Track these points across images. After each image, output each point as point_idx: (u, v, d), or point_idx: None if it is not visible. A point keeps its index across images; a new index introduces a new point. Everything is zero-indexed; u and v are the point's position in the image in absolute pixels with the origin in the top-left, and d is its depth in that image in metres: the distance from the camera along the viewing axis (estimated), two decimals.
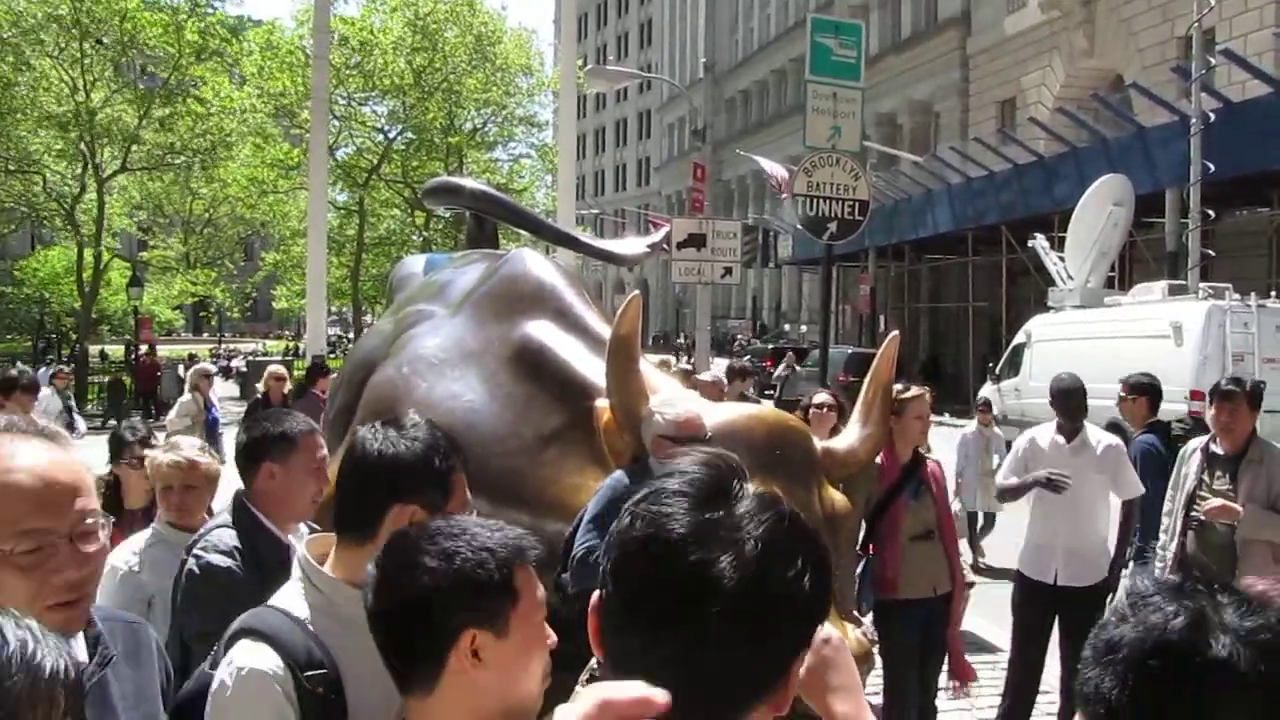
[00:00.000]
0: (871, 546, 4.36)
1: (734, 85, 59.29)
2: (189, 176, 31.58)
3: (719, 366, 11.34)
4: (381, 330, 4.58)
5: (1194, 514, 4.68)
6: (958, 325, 27.24)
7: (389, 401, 3.52)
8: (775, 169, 27.85)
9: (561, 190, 16.40)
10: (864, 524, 4.27)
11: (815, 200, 8.84)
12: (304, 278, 23.75)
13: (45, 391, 10.74)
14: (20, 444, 1.36)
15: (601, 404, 3.40)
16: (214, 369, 13.20)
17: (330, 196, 27.00)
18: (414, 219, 31.66)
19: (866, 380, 3.51)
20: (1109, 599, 4.74)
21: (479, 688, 1.38)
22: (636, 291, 3.54)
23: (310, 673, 1.65)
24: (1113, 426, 6.20)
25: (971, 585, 4.90)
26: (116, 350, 38.91)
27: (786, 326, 47.10)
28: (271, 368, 10.09)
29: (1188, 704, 0.97)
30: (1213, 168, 15.87)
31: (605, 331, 3.60)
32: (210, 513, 3.05)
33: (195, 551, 2.45)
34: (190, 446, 3.10)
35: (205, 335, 62.87)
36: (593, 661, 1.37)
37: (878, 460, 4.01)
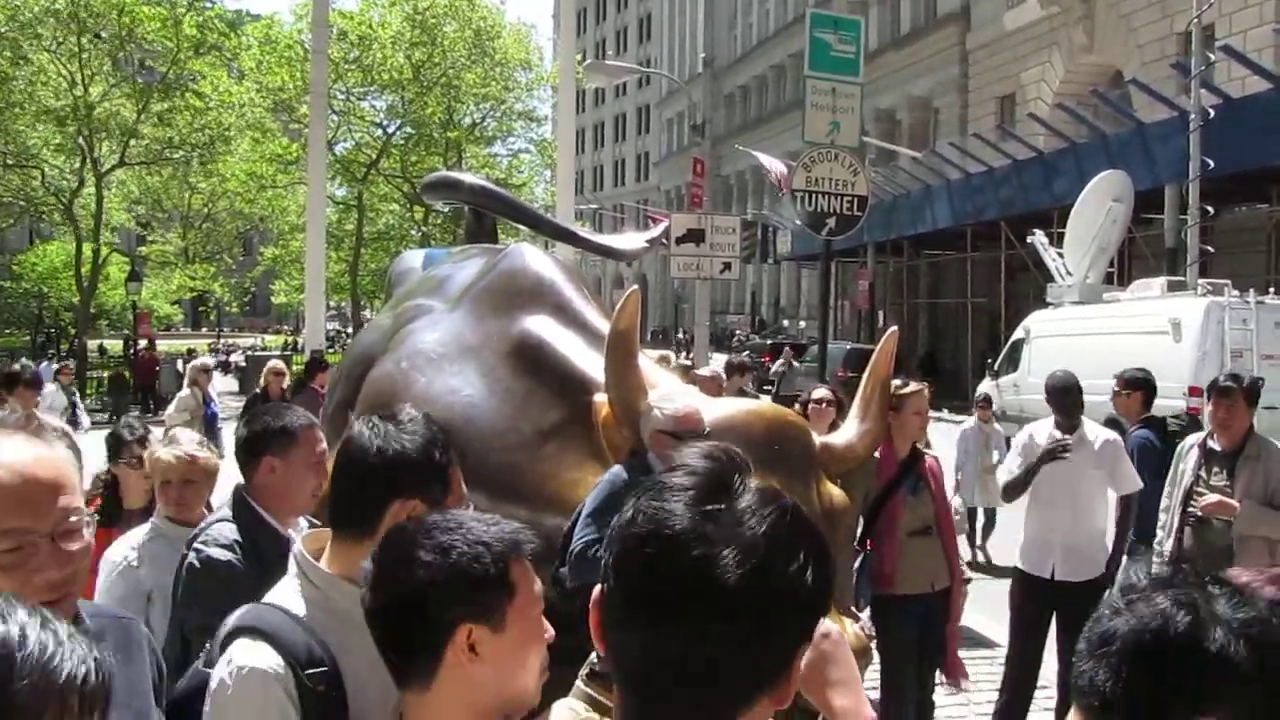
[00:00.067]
0: (869, 542, 4.37)
1: (733, 80, 59.23)
2: (187, 171, 31.58)
3: (718, 362, 11.34)
4: (380, 325, 4.58)
5: (1191, 510, 4.69)
6: (956, 321, 27.24)
7: (388, 396, 3.52)
8: (774, 164, 27.79)
9: (560, 185, 16.38)
10: (862, 519, 4.28)
11: (814, 196, 8.84)
12: (303, 273, 23.74)
13: (50, 388, 10.75)
14: (1, 441, 1.35)
15: (600, 399, 3.40)
16: (213, 364, 13.21)
17: (329, 191, 26.97)
18: (413, 214, 31.62)
19: (865, 375, 3.51)
20: (1107, 594, 4.75)
21: (476, 682, 1.38)
22: (635, 286, 3.53)
23: (311, 670, 1.64)
24: (1111, 422, 6.21)
25: (969, 581, 4.92)
26: (115, 345, 38.89)
27: (785, 322, 47.09)
28: (271, 363, 10.09)
29: (1182, 696, 0.98)
30: (1212, 164, 15.86)
31: (604, 327, 3.60)
32: (209, 508, 3.05)
33: (196, 545, 2.45)
34: (189, 441, 3.10)
35: (204, 330, 62.87)
36: (592, 656, 1.37)
37: (875, 455, 4.02)
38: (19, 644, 0.83)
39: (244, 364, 29.52)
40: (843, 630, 1.25)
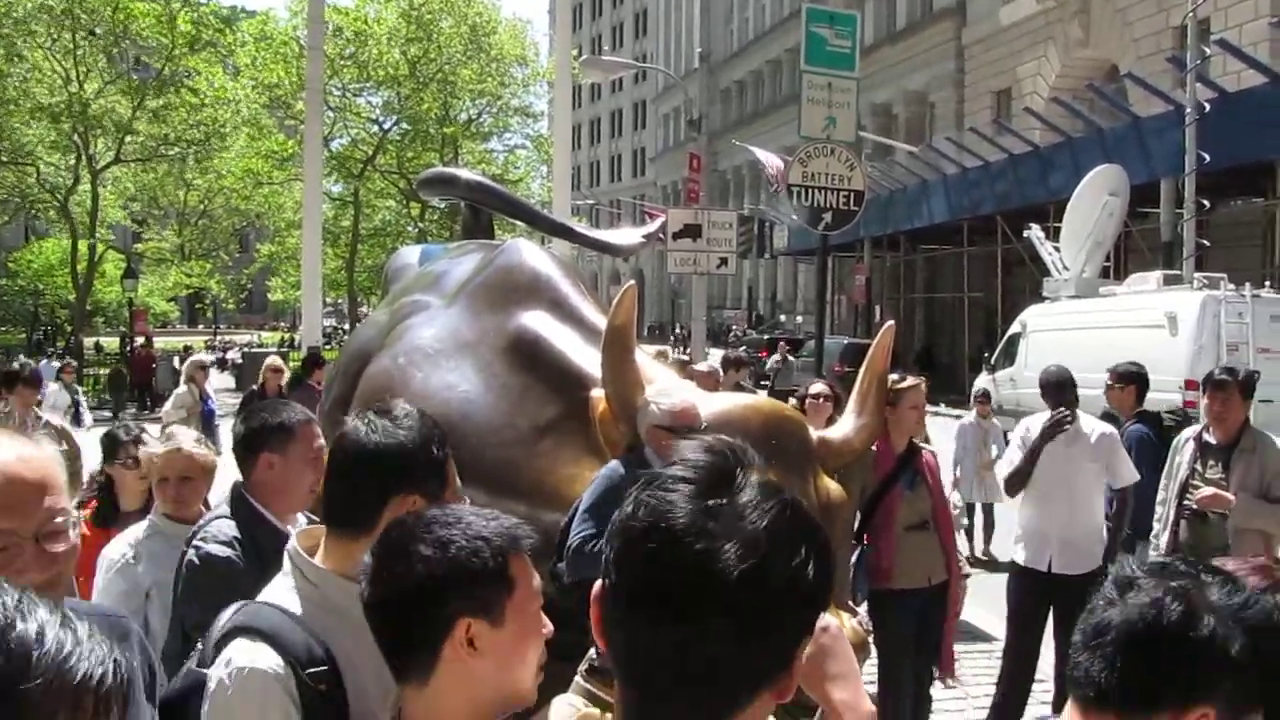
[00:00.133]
0: (866, 536, 4.38)
1: (729, 75, 59.19)
2: (183, 168, 31.57)
3: (715, 357, 11.35)
4: (377, 321, 4.58)
5: (1187, 503, 4.71)
6: (953, 315, 27.26)
7: (384, 392, 3.51)
8: (770, 159, 27.78)
9: (557, 181, 16.38)
10: (859, 514, 4.28)
11: (810, 190, 8.83)
12: (299, 269, 23.75)
13: (53, 386, 10.73)
14: None
15: (597, 394, 3.40)
16: (209, 361, 13.19)
17: (325, 188, 26.93)
18: (409, 210, 31.60)
19: (862, 370, 3.51)
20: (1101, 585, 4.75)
21: (474, 676, 1.38)
22: (632, 282, 3.53)
23: (312, 670, 1.63)
24: (1108, 416, 6.21)
25: (968, 576, 4.92)
26: (111, 342, 38.79)
27: (782, 317, 47.09)
28: (269, 360, 10.08)
29: (1176, 684, 0.99)
30: (1208, 158, 15.87)
31: (600, 322, 3.60)
32: (207, 505, 3.05)
33: (195, 542, 2.45)
34: (186, 438, 3.09)
35: (200, 327, 62.73)
36: (592, 651, 1.38)
37: (873, 450, 4.02)
38: (36, 642, 0.82)
39: (241, 361, 29.49)
40: (841, 625, 1.25)
